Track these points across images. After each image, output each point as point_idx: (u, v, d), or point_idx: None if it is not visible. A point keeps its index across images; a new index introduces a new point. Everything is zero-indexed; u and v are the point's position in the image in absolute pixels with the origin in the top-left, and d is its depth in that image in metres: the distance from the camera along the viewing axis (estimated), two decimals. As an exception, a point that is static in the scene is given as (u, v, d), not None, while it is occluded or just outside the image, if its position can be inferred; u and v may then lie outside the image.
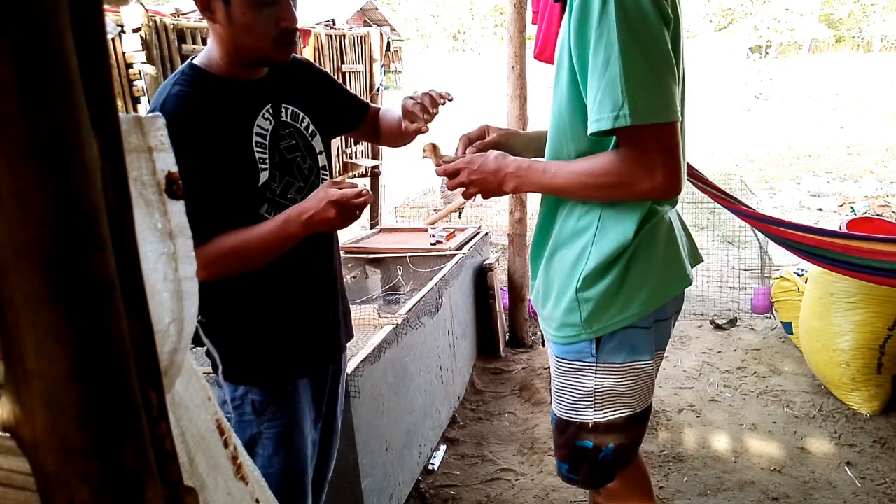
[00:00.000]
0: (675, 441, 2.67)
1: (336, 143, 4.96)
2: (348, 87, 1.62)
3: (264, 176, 1.29)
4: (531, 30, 3.34)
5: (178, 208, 0.47)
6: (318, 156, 1.44)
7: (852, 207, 6.35)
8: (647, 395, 1.31)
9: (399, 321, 2.21)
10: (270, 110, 1.33)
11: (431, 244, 3.19)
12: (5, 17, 0.29)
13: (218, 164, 1.22)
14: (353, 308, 2.28)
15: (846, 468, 2.43)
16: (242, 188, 1.27)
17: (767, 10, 29.56)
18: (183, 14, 3.60)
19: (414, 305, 2.38)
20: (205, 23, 3.58)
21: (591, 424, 1.30)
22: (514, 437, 2.76)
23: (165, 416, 0.39)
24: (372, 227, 4.24)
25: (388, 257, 3.10)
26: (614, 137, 1.15)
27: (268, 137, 1.31)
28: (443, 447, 2.66)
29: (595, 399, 1.28)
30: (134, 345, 0.36)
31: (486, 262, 3.44)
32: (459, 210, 4.53)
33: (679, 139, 1.11)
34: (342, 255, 3.06)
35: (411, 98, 1.43)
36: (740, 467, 2.48)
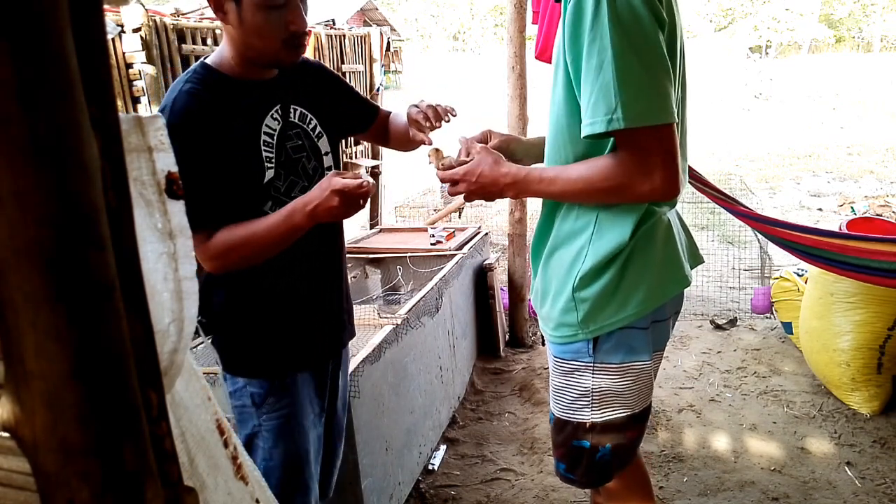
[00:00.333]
0: (675, 441, 2.67)
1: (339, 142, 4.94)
2: (352, 86, 1.62)
3: (269, 174, 1.32)
4: (531, 30, 3.34)
5: (178, 208, 0.47)
6: (324, 157, 1.46)
7: (852, 207, 6.35)
8: (645, 395, 1.31)
9: (399, 321, 2.21)
10: (279, 111, 1.36)
11: (431, 244, 3.19)
12: (5, 17, 0.29)
13: (225, 160, 1.25)
14: (353, 308, 2.29)
15: (846, 468, 2.43)
16: (248, 185, 1.30)
17: (767, 10, 29.57)
18: (183, 14, 3.60)
19: (414, 305, 2.38)
20: (205, 23, 3.58)
21: (588, 424, 1.30)
22: (514, 437, 2.76)
23: (165, 416, 0.39)
24: (372, 227, 4.24)
25: (388, 257, 3.10)
26: (610, 140, 1.15)
27: (275, 137, 1.34)
28: (443, 447, 2.66)
29: (592, 399, 1.28)
30: (134, 345, 0.36)
31: (486, 262, 3.44)
32: (459, 210, 4.54)
33: (676, 141, 1.11)
34: (342, 255, 3.06)
35: (416, 107, 1.45)
36: (740, 467, 2.48)
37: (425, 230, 3.45)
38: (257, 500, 0.64)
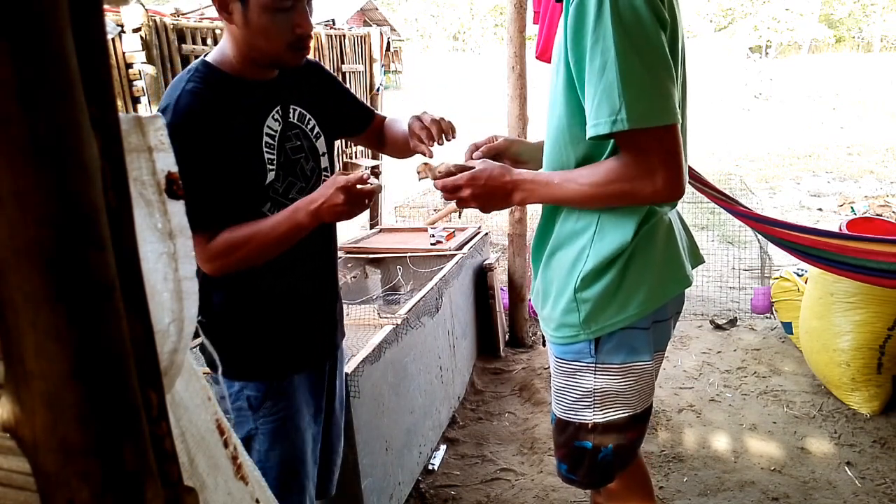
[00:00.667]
0: (675, 441, 2.67)
1: (336, 142, 4.95)
2: (348, 87, 1.62)
3: (271, 175, 1.32)
4: (531, 30, 3.34)
5: (178, 208, 0.47)
6: (321, 157, 1.46)
7: (852, 207, 6.35)
8: (646, 395, 1.31)
9: (399, 321, 2.21)
10: (279, 111, 1.35)
11: (431, 244, 3.19)
12: (5, 17, 0.29)
13: (227, 160, 1.25)
14: (353, 308, 2.29)
15: (846, 468, 2.43)
16: (248, 186, 1.30)
17: (767, 10, 29.58)
18: (183, 14, 3.60)
19: (414, 305, 2.38)
20: (205, 23, 3.58)
21: (590, 425, 1.30)
22: (514, 437, 2.76)
23: (165, 416, 0.39)
24: (372, 227, 4.24)
25: (388, 257, 3.10)
26: (611, 142, 1.15)
27: (276, 139, 1.34)
28: (443, 447, 2.66)
29: (594, 399, 1.28)
30: (134, 345, 0.36)
31: (486, 262, 3.44)
32: (459, 210, 4.53)
33: (680, 141, 1.11)
34: (343, 255, 3.06)
35: (419, 120, 1.43)
36: (740, 467, 2.48)
37: (425, 230, 3.45)
38: (257, 500, 0.64)
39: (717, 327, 3.78)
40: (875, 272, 2.19)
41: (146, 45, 3.04)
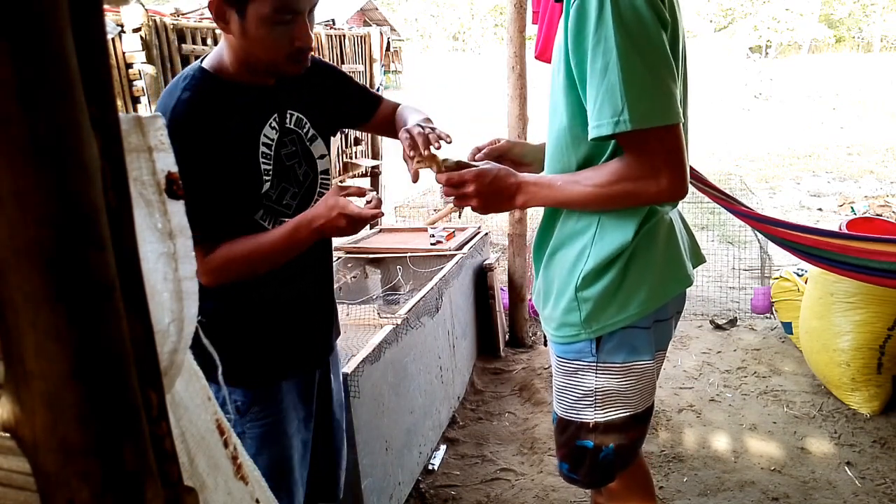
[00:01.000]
0: (675, 441, 2.67)
1: (336, 143, 4.96)
2: (350, 77, 1.58)
3: (266, 186, 1.30)
4: (531, 30, 3.34)
5: (178, 208, 0.47)
6: (317, 161, 1.42)
7: (852, 207, 6.35)
8: (647, 395, 1.31)
9: (399, 321, 2.21)
10: (277, 118, 1.32)
11: (431, 244, 3.19)
12: (5, 17, 0.29)
13: (223, 170, 1.22)
14: (353, 308, 2.29)
15: (846, 468, 2.43)
16: (244, 195, 1.27)
17: (767, 10, 29.59)
18: (183, 14, 3.60)
19: (414, 305, 2.38)
20: (205, 23, 3.58)
21: (591, 424, 1.30)
22: (514, 437, 2.76)
23: (165, 416, 0.39)
24: (372, 227, 4.24)
25: (388, 257, 3.10)
26: (612, 142, 1.15)
27: (273, 148, 1.31)
28: (443, 447, 2.66)
29: (595, 399, 1.28)
30: (134, 345, 0.36)
31: (486, 262, 3.44)
32: (459, 210, 4.53)
33: (682, 141, 1.11)
34: (342, 255, 3.06)
35: (407, 132, 1.34)
36: (740, 467, 2.48)
37: (425, 230, 3.45)
38: (257, 500, 0.65)
39: (717, 327, 3.78)
40: (877, 272, 2.18)
41: (146, 45, 3.04)
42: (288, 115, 1.35)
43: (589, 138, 1.11)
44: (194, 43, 3.39)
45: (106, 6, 0.42)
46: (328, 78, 1.48)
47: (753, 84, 18.39)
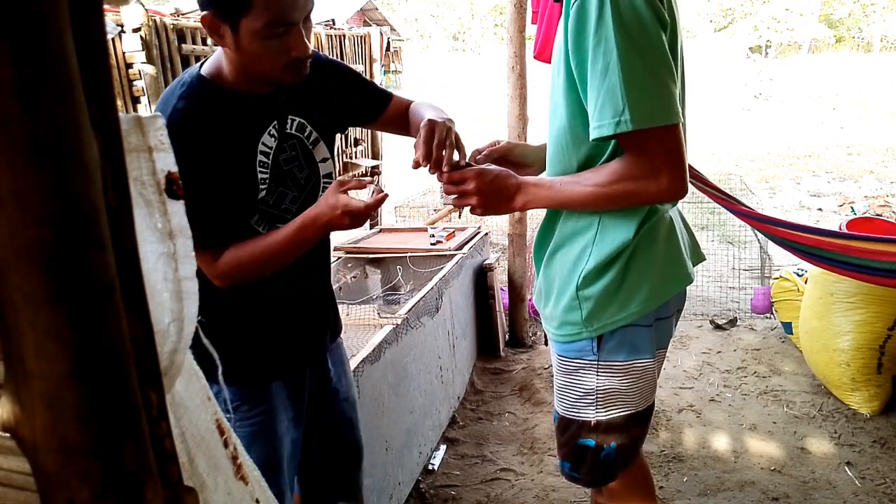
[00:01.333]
0: (675, 441, 2.67)
1: (336, 143, 4.95)
2: (358, 73, 1.53)
3: (262, 193, 1.29)
4: (531, 30, 3.34)
5: (178, 208, 0.47)
6: (320, 164, 1.41)
7: (852, 207, 6.35)
8: (648, 394, 1.31)
9: (399, 321, 2.21)
10: (276, 125, 1.31)
11: (431, 244, 3.19)
12: (5, 17, 0.29)
13: (219, 177, 1.22)
14: (353, 308, 2.29)
15: (846, 468, 2.43)
16: (239, 201, 1.27)
17: (767, 10, 29.59)
18: (183, 14, 3.60)
19: (414, 305, 2.38)
20: (205, 23, 3.58)
21: (592, 423, 1.30)
22: (514, 437, 2.76)
23: (165, 416, 0.39)
24: (372, 227, 4.24)
25: (388, 257, 3.10)
26: (613, 142, 1.15)
27: (271, 156, 1.30)
28: (443, 447, 2.66)
29: (597, 397, 1.28)
30: (134, 345, 0.36)
31: (486, 262, 3.44)
32: (459, 210, 4.53)
33: (682, 140, 1.11)
34: (342, 255, 3.06)
35: (432, 133, 1.29)
36: (740, 467, 2.48)
37: (425, 230, 3.45)
38: (257, 500, 0.65)
39: (717, 327, 3.78)
40: (878, 272, 2.18)
41: (146, 45, 3.04)
42: (289, 121, 1.33)
43: (590, 139, 1.11)
44: (194, 43, 3.39)
45: (106, 6, 0.42)
46: (331, 76, 1.44)
47: (753, 84, 18.39)
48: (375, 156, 5.36)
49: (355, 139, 5.30)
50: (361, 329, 2.18)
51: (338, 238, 3.28)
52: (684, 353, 3.47)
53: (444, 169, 1.23)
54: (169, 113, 1.18)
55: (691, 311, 3.96)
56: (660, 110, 1.06)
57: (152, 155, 0.46)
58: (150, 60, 3.06)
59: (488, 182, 1.22)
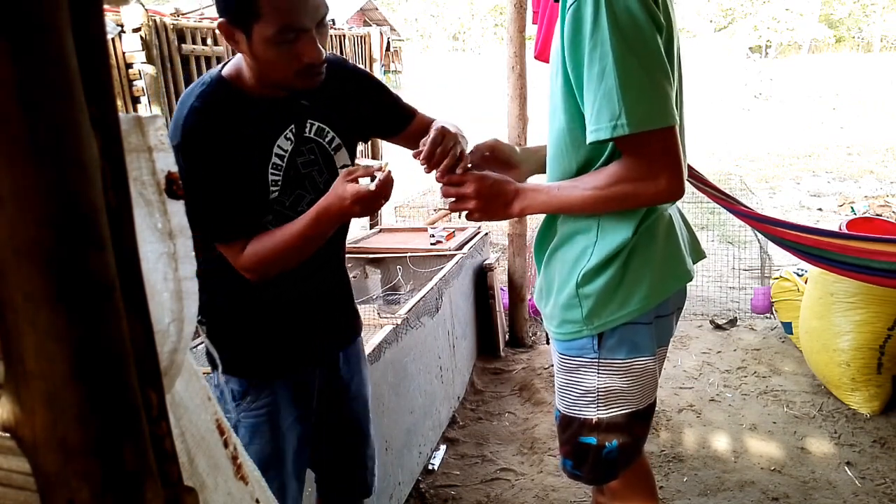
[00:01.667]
0: (675, 441, 2.67)
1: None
2: (384, 86, 1.53)
3: (274, 194, 1.32)
4: (531, 30, 3.34)
5: (178, 208, 0.47)
6: (339, 171, 1.40)
7: (852, 207, 6.35)
8: (649, 391, 1.32)
9: (399, 321, 2.21)
10: (293, 129, 1.32)
11: (431, 244, 3.19)
12: (5, 17, 0.29)
13: (231, 176, 1.25)
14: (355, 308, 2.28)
15: (846, 468, 2.43)
16: (252, 200, 1.30)
17: (767, 10, 29.61)
18: (183, 14, 3.60)
19: (414, 305, 2.38)
20: (204, 23, 3.58)
21: (594, 421, 1.30)
22: (514, 437, 2.76)
23: (165, 416, 0.39)
24: (372, 227, 4.24)
25: (388, 257, 3.10)
26: (611, 144, 1.16)
27: (286, 159, 1.32)
28: (443, 447, 2.66)
29: (598, 395, 1.28)
30: (134, 345, 0.36)
31: (486, 262, 3.44)
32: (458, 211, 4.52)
33: (678, 142, 1.12)
34: (342, 255, 3.06)
35: (442, 137, 1.28)
36: (740, 467, 2.48)
37: (425, 230, 3.45)
38: (257, 500, 0.65)
39: (717, 327, 3.78)
40: (877, 272, 2.18)
41: (146, 45, 3.04)
42: (308, 125, 1.35)
43: (587, 142, 1.11)
44: (194, 43, 3.39)
45: (106, 6, 0.42)
46: (349, 81, 1.44)
47: (753, 84, 18.39)
48: (375, 156, 5.36)
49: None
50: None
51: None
52: (684, 353, 3.47)
53: (438, 174, 1.23)
54: (186, 111, 1.23)
55: (691, 311, 3.96)
56: (657, 113, 1.07)
57: (152, 155, 0.46)
58: (150, 60, 3.06)
59: (487, 186, 1.23)
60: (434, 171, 1.25)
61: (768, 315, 3.78)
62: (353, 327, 1.61)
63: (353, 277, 3.02)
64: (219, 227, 1.26)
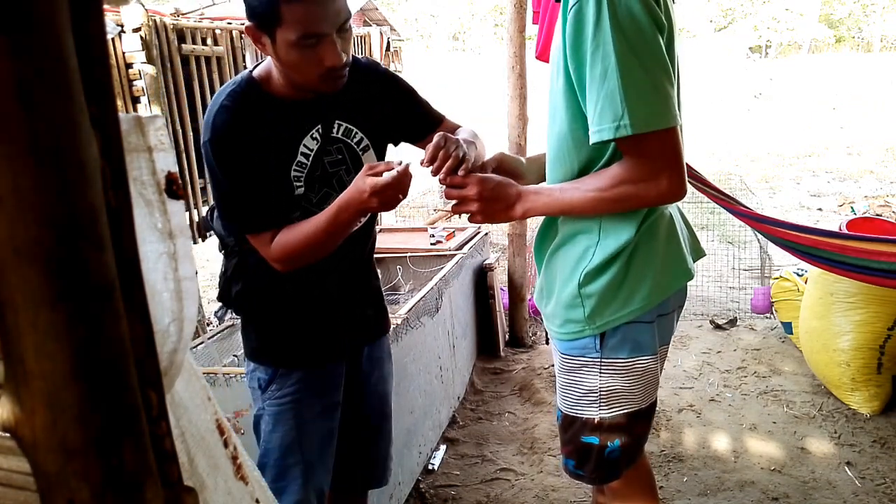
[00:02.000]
0: (675, 441, 2.67)
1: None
2: (414, 91, 1.54)
3: (299, 191, 1.37)
4: (531, 30, 3.34)
5: (178, 208, 0.47)
6: None
7: (852, 207, 6.35)
8: (651, 391, 1.32)
9: (399, 321, 2.21)
10: (320, 129, 1.37)
11: (431, 244, 3.19)
12: (5, 17, 0.29)
13: (259, 172, 1.30)
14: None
15: (846, 468, 2.43)
16: (278, 195, 1.35)
17: (767, 10, 29.61)
18: (183, 14, 3.61)
19: (414, 305, 2.38)
20: (204, 23, 3.58)
21: (595, 421, 1.30)
22: (514, 437, 2.76)
23: (165, 416, 0.39)
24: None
25: (388, 257, 3.10)
26: (612, 145, 1.16)
27: (311, 157, 1.37)
28: (443, 447, 2.66)
29: (600, 395, 1.29)
30: (134, 345, 0.36)
31: (486, 262, 3.44)
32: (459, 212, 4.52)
33: (680, 143, 1.12)
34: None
35: (445, 141, 1.29)
36: (740, 467, 2.48)
37: (425, 230, 3.45)
38: (257, 500, 0.65)
39: (717, 327, 3.78)
40: (876, 272, 2.18)
41: (146, 45, 3.04)
42: (336, 125, 1.39)
43: (590, 143, 1.12)
44: (194, 43, 3.39)
45: (106, 6, 0.42)
46: (375, 84, 1.46)
47: (753, 84, 18.38)
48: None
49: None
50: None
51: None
52: (684, 353, 3.47)
53: (441, 175, 1.23)
54: (216, 108, 1.30)
55: (691, 311, 3.96)
56: (659, 114, 1.07)
57: (152, 155, 0.46)
58: (150, 60, 3.06)
59: (490, 189, 1.23)
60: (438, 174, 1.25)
61: (768, 315, 3.78)
62: (380, 325, 1.65)
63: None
64: (247, 218, 1.33)
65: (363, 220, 1.46)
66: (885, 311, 2.70)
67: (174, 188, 0.47)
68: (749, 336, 3.66)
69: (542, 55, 3.21)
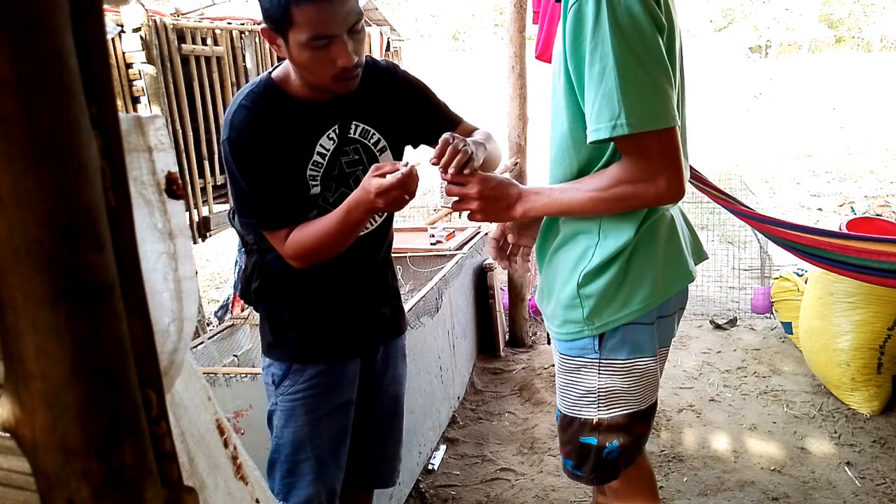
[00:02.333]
0: (675, 441, 2.67)
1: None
2: (432, 94, 1.55)
3: (315, 190, 1.38)
4: (531, 30, 3.34)
5: (178, 208, 0.47)
6: None
7: (852, 207, 6.35)
8: (651, 391, 1.32)
9: (399, 321, 2.20)
10: (337, 129, 1.39)
11: (431, 244, 3.19)
12: (5, 17, 0.29)
13: (276, 171, 1.33)
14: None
15: (846, 468, 2.43)
16: (294, 193, 1.36)
17: (767, 10, 29.60)
18: (183, 14, 3.61)
19: (414, 305, 2.38)
20: (204, 23, 3.58)
21: (594, 421, 1.30)
22: (514, 437, 2.76)
23: (165, 415, 0.39)
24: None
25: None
26: (612, 145, 1.16)
27: (327, 157, 1.38)
28: (443, 447, 2.66)
29: (599, 396, 1.28)
30: (134, 345, 0.36)
31: (486, 262, 3.43)
32: (460, 211, 4.52)
33: (679, 143, 1.12)
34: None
35: (452, 139, 1.30)
36: (740, 467, 2.48)
37: (425, 230, 3.45)
38: (257, 500, 0.65)
39: (717, 327, 3.78)
40: (877, 272, 2.18)
41: (146, 45, 3.04)
42: (353, 126, 1.41)
43: (587, 142, 1.12)
44: (194, 43, 3.39)
45: (106, 6, 0.42)
46: (392, 85, 1.46)
47: (753, 84, 18.38)
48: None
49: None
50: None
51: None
52: (684, 353, 3.47)
53: (451, 170, 1.22)
54: (235, 108, 1.33)
55: (691, 311, 3.96)
56: (657, 114, 1.07)
57: (152, 155, 0.46)
58: (150, 60, 3.06)
59: (491, 188, 1.23)
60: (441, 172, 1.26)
61: (768, 315, 3.78)
62: (396, 324, 1.66)
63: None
64: (262, 215, 1.35)
65: (377, 219, 1.47)
66: (885, 311, 2.70)
67: (174, 188, 0.47)
68: (749, 336, 3.66)
69: (542, 55, 3.21)
